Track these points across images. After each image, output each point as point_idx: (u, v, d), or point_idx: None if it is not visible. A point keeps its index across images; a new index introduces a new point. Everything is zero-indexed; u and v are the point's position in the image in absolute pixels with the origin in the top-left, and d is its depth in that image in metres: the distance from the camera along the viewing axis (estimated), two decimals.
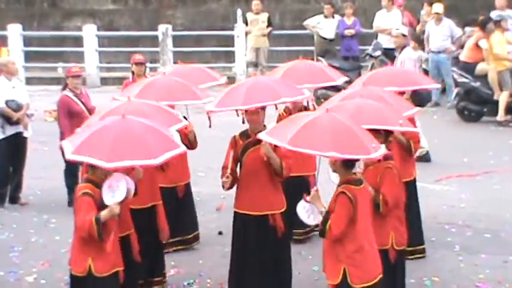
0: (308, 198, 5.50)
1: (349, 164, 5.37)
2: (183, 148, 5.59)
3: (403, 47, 11.56)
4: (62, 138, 9.48)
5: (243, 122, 6.58)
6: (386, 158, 5.92)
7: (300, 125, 5.29)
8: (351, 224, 5.32)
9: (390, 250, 5.99)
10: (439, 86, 8.95)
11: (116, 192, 5.44)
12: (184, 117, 7.04)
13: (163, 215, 6.87)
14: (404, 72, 8.57)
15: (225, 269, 6.79)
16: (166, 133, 5.66)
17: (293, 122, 5.52)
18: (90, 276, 5.52)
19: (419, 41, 15.71)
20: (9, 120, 9.65)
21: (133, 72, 10.30)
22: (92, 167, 5.49)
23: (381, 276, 5.47)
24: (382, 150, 5.38)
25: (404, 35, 11.89)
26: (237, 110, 6.51)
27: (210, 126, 6.59)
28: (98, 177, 5.52)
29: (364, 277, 5.38)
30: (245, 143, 6.49)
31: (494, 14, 14.56)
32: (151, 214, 6.78)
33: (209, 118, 6.75)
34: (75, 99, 9.50)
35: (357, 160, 5.39)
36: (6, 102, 9.65)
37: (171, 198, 7.63)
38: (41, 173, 10.82)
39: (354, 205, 5.31)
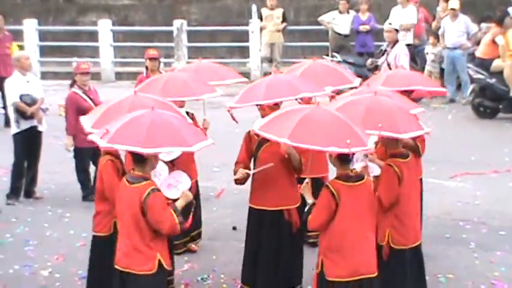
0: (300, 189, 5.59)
1: (343, 158, 5.31)
2: (211, 140, 5.53)
3: (395, 42, 11.55)
4: (68, 134, 9.53)
5: (262, 117, 6.56)
6: (395, 155, 5.88)
7: (295, 120, 5.28)
8: (331, 218, 5.30)
9: (384, 247, 5.90)
10: (444, 90, 8.83)
11: (179, 186, 5.44)
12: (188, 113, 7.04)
13: None
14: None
15: (239, 265, 6.78)
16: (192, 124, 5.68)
17: (287, 116, 5.46)
18: (161, 270, 5.39)
19: (438, 37, 15.69)
20: (23, 115, 9.66)
21: (147, 67, 10.34)
22: (139, 163, 5.35)
23: (363, 277, 5.34)
24: (356, 148, 5.14)
25: (396, 30, 11.88)
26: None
27: (237, 123, 6.66)
28: (148, 173, 5.42)
29: (339, 272, 5.33)
30: (260, 138, 6.47)
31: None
32: None
33: (232, 114, 6.71)
34: (84, 96, 9.46)
35: (352, 155, 5.27)
36: (21, 97, 9.66)
37: None
38: (55, 168, 10.84)
39: (336, 200, 5.28)
